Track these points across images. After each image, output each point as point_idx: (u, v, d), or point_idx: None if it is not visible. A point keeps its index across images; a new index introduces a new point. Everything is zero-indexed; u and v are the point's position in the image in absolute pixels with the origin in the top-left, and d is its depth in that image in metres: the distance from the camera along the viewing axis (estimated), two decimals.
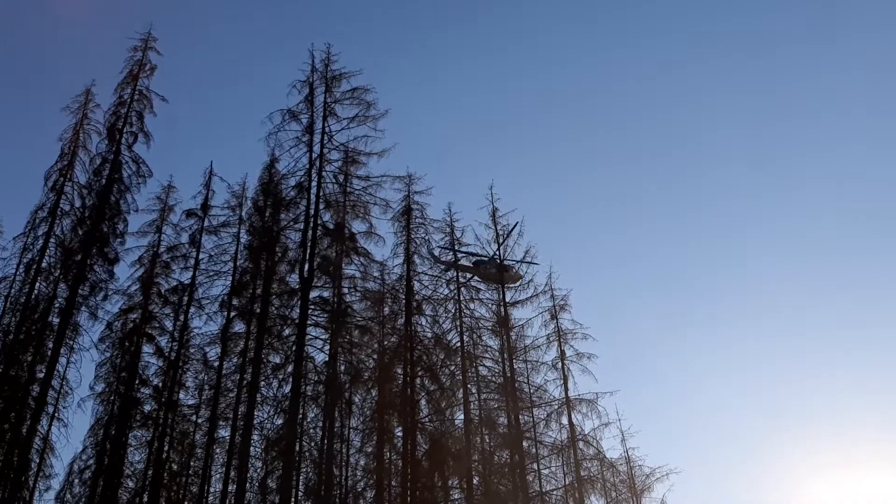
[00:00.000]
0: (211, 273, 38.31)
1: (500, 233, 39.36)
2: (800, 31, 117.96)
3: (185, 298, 38.00)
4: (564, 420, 37.38)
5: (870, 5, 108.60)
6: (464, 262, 46.50)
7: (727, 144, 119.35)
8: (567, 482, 37.69)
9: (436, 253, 45.96)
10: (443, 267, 47.29)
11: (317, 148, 34.84)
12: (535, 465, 36.72)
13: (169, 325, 38.20)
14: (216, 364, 36.78)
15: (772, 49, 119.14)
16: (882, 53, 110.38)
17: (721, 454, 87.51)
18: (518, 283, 45.08)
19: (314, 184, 34.29)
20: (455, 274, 43.26)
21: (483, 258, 46.11)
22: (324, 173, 34.57)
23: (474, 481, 34.75)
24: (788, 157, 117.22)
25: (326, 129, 35.11)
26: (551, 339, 38.82)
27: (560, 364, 38.29)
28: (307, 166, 34.58)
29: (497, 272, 44.84)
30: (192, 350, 38.06)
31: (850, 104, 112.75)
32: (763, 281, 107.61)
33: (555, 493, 37.20)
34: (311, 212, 33.85)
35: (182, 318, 37.84)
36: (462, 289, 37.37)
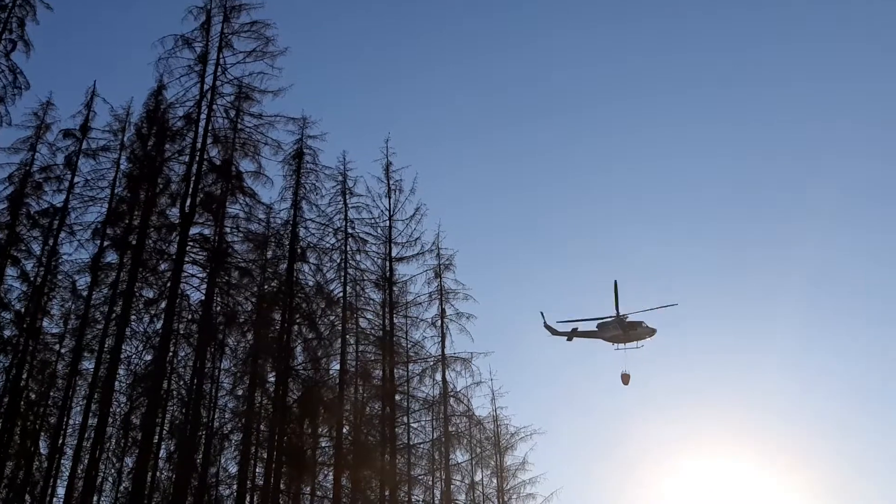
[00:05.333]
0: (86, 198, 36.38)
1: (393, 188, 39.11)
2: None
3: (56, 222, 36.02)
4: (438, 376, 38.25)
5: None
6: (583, 326, 46.49)
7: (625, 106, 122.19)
8: (435, 436, 38.74)
9: (554, 326, 45.98)
10: (565, 339, 47.27)
11: (209, 79, 33.39)
12: (405, 419, 37.44)
13: (37, 248, 36.22)
14: (85, 293, 35.31)
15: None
16: None
17: (586, 423, 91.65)
18: (652, 338, 45.57)
19: (203, 116, 32.90)
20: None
21: (606, 319, 45.98)
22: (215, 107, 33.19)
23: (344, 430, 35.07)
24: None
25: (221, 61, 33.63)
26: (433, 296, 39.44)
27: (440, 322, 39.01)
28: (197, 97, 33.10)
29: (623, 333, 44.86)
30: (59, 277, 36.33)
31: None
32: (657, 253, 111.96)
33: (422, 445, 38.17)
34: (198, 145, 32.53)
35: (51, 242, 35.94)
36: (349, 239, 37.04)
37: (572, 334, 47.76)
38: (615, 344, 46.50)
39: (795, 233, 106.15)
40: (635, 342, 46.20)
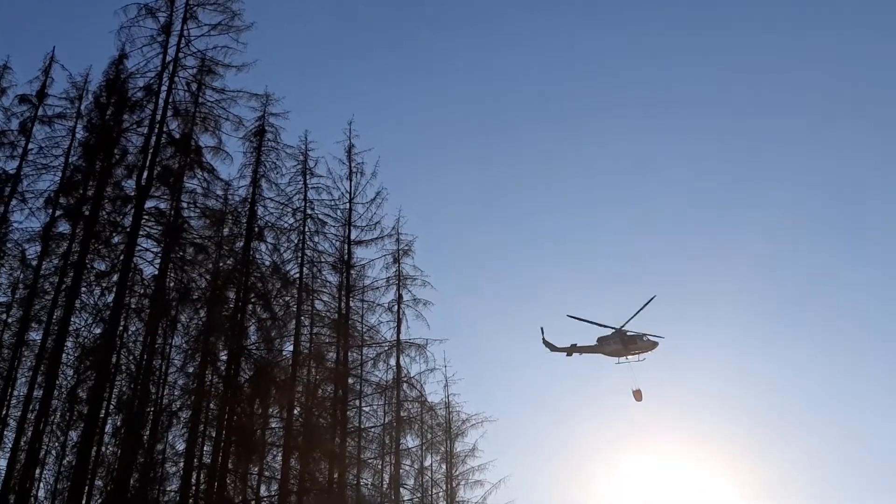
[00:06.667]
0: (39, 166, 35.47)
1: (355, 170, 38.99)
2: None
3: (8, 189, 35.12)
4: (392, 361, 38.35)
5: None
6: (583, 342, 46.19)
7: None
8: (386, 421, 38.79)
9: (553, 342, 45.61)
10: (565, 354, 46.75)
11: (172, 51, 32.91)
12: (357, 402, 37.39)
13: None
14: (35, 263, 34.53)
15: None
16: None
17: (537, 413, 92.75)
18: (653, 351, 45.21)
19: (164, 88, 32.49)
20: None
21: (606, 333, 45.54)
22: (176, 79, 32.74)
23: (295, 412, 34.92)
24: None
25: (185, 33, 33.16)
26: (391, 282, 39.45)
27: (396, 307, 39.09)
28: (159, 68, 32.62)
29: (624, 347, 44.56)
30: (9, 245, 35.39)
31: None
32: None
33: (373, 429, 38.18)
34: (158, 117, 32.10)
35: (1, 209, 35.02)
36: (308, 220, 36.77)
37: (572, 349, 47.75)
38: (617, 358, 46.51)
39: (739, 225, 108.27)
40: (637, 355, 46.25)
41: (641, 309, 44.47)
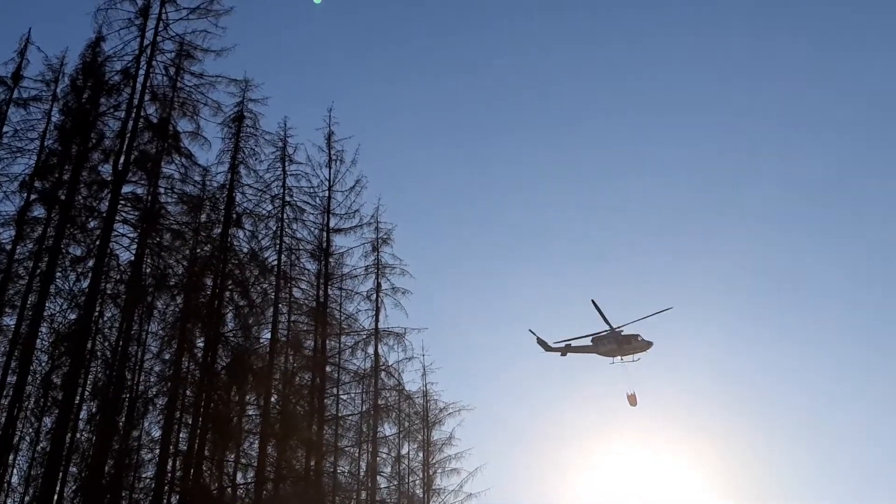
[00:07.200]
0: (14, 149, 34.86)
1: (334, 157, 38.85)
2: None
3: None
4: (371, 350, 38.31)
5: None
6: (577, 342, 45.91)
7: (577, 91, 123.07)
8: (364, 409, 38.81)
9: (548, 342, 45.21)
10: (559, 354, 46.43)
11: (150, 34, 32.61)
12: (335, 390, 37.38)
13: None
14: (9, 247, 34.10)
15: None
16: None
17: (515, 403, 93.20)
18: (648, 351, 44.99)
19: (142, 72, 32.22)
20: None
21: (601, 333, 45.29)
22: (154, 63, 32.45)
23: (272, 399, 34.86)
24: None
25: (163, 16, 32.86)
26: (370, 270, 39.38)
27: (375, 296, 39.05)
28: (136, 52, 32.33)
29: (618, 347, 44.34)
30: None
31: None
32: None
33: (350, 418, 38.22)
34: (135, 102, 31.83)
35: None
36: (287, 207, 36.64)
37: (566, 350, 47.68)
38: (611, 358, 46.47)
39: (728, 227, 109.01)
40: (631, 356, 46.19)
41: (601, 313, 45.05)
